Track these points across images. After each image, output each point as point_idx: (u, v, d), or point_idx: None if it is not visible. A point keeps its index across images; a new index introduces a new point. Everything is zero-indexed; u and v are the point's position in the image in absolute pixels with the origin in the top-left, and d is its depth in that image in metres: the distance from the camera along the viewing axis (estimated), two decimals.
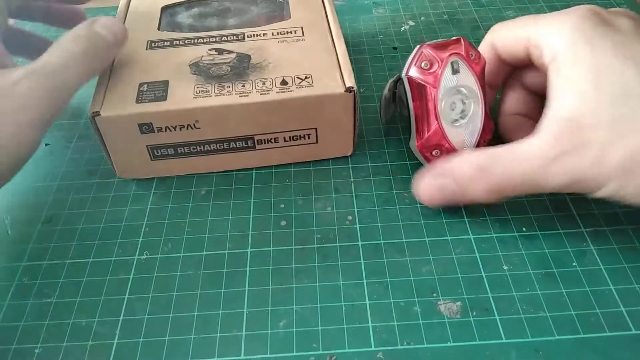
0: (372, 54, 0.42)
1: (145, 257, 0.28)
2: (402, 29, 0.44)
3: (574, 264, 0.27)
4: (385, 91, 0.32)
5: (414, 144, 0.30)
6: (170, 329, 0.25)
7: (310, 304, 0.26)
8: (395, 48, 0.42)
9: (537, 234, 0.29)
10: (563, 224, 0.29)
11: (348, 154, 0.33)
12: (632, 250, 0.28)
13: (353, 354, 0.24)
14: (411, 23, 0.45)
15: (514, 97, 0.32)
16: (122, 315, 0.26)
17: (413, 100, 0.29)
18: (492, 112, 0.32)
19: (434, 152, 0.30)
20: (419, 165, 0.32)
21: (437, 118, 0.29)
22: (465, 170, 0.27)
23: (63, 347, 0.25)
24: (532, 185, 0.25)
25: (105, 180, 0.33)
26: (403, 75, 0.29)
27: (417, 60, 0.29)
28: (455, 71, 0.29)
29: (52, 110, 0.26)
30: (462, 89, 0.29)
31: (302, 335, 0.25)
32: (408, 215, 0.30)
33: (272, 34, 0.34)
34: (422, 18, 0.45)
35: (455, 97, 0.29)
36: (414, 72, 0.29)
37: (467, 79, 0.29)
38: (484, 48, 0.31)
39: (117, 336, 0.25)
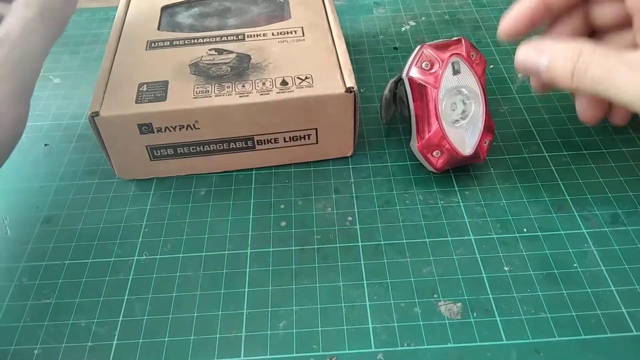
0: (372, 54, 0.41)
1: (144, 257, 0.28)
2: (403, 29, 0.44)
3: (574, 265, 0.27)
4: (386, 91, 0.32)
5: (414, 144, 0.30)
6: (169, 329, 0.25)
7: (310, 304, 0.26)
8: (395, 48, 0.42)
9: (537, 235, 0.29)
10: (564, 225, 0.29)
11: (348, 155, 0.33)
12: (633, 251, 0.28)
13: (353, 355, 0.24)
14: (412, 23, 0.45)
15: (570, 26, 0.30)
16: (121, 316, 0.26)
17: (414, 101, 0.29)
18: (492, 113, 0.32)
19: (434, 153, 0.30)
20: (420, 165, 0.32)
21: (437, 118, 0.29)
22: (564, 47, 0.25)
23: (62, 348, 0.25)
24: (611, 86, 0.24)
25: (105, 181, 0.33)
26: (404, 75, 0.29)
27: (417, 61, 0.29)
28: (456, 71, 0.29)
29: (26, 82, 0.26)
30: (463, 89, 0.29)
31: (302, 336, 0.25)
32: (408, 216, 0.30)
33: (272, 34, 0.34)
34: (423, 18, 0.45)
35: (456, 98, 0.29)
36: (414, 73, 0.29)
37: (468, 79, 0.29)
38: None
39: (116, 337, 0.25)
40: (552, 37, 0.27)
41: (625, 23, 0.27)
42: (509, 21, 0.28)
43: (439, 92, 0.28)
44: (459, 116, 0.29)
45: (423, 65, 0.29)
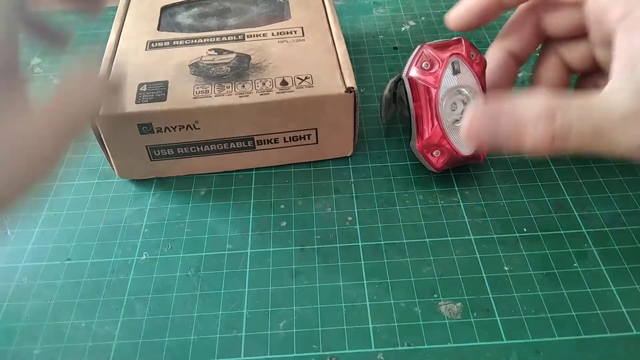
0: (372, 54, 0.41)
1: (144, 257, 0.28)
2: (403, 28, 0.44)
3: (575, 264, 0.27)
4: (386, 91, 0.31)
5: (414, 144, 0.30)
6: (169, 330, 0.25)
7: (310, 304, 0.26)
8: (395, 48, 0.42)
9: (538, 235, 0.29)
10: (564, 225, 0.29)
11: (348, 155, 0.33)
12: (633, 251, 0.28)
13: (353, 355, 0.24)
14: (412, 23, 0.45)
15: (549, 71, 0.30)
16: (121, 316, 0.26)
17: (414, 101, 0.29)
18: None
19: (434, 153, 0.30)
20: (420, 165, 0.32)
21: (437, 118, 0.29)
22: (532, 110, 0.23)
23: (62, 348, 0.25)
24: (603, 142, 0.23)
25: (105, 181, 0.33)
26: (403, 75, 0.29)
27: (417, 61, 0.29)
28: (456, 71, 0.29)
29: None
30: (463, 89, 0.29)
31: (302, 336, 0.25)
32: (408, 216, 0.30)
33: (272, 34, 0.34)
34: (423, 18, 0.45)
35: (456, 98, 0.29)
36: (414, 73, 0.29)
37: (468, 79, 0.29)
38: (520, 12, 0.29)
39: (116, 337, 0.25)
40: (504, 97, 0.24)
41: (579, 32, 0.27)
42: (460, 10, 0.28)
43: (439, 92, 0.28)
44: (459, 116, 0.29)
45: (423, 65, 0.29)
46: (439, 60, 0.28)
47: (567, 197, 0.30)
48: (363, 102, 0.37)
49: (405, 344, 0.24)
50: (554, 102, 0.23)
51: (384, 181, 0.32)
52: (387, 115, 0.33)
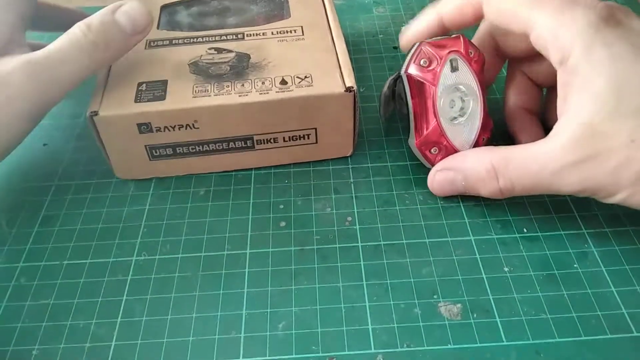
0: (372, 54, 0.41)
1: (143, 258, 0.28)
2: (403, 28, 0.44)
3: (575, 265, 0.27)
4: (385, 89, 0.31)
5: (412, 141, 0.30)
6: (168, 330, 0.25)
7: (309, 305, 0.26)
8: (395, 47, 0.42)
9: (538, 235, 0.28)
10: (564, 225, 0.29)
11: (348, 155, 0.33)
12: (634, 252, 0.28)
13: (353, 356, 0.24)
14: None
15: (518, 89, 0.31)
16: (120, 316, 0.26)
17: (412, 98, 0.29)
18: (491, 111, 0.32)
19: (432, 150, 0.30)
20: (420, 165, 0.32)
21: (435, 116, 0.29)
22: (477, 170, 0.27)
23: (60, 349, 0.25)
24: (544, 189, 0.25)
25: (104, 181, 0.32)
26: (402, 72, 0.29)
27: (416, 58, 0.29)
28: (454, 69, 0.28)
29: (45, 104, 0.26)
30: (461, 86, 0.29)
31: (301, 337, 0.25)
32: (408, 216, 0.30)
33: (272, 33, 0.34)
34: None
35: (454, 95, 0.29)
36: (413, 70, 0.29)
37: (466, 76, 0.29)
38: (480, 35, 0.31)
39: (115, 338, 0.25)
40: (455, 157, 0.29)
41: (537, 54, 0.27)
42: (410, 36, 0.30)
43: (437, 89, 0.28)
44: (457, 113, 0.29)
45: (421, 62, 0.29)
46: (438, 57, 0.28)
47: (567, 197, 0.30)
48: (363, 102, 0.37)
49: (405, 345, 0.24)
50: (495, 162, 0.26)
51: (384, 181, 0.32)
52: (386, 113, 0.33)
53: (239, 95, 0.29)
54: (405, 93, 0.29)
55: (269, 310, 0.26)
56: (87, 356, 0.24)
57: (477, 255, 0.28)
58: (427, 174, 0.32)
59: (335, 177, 0.32)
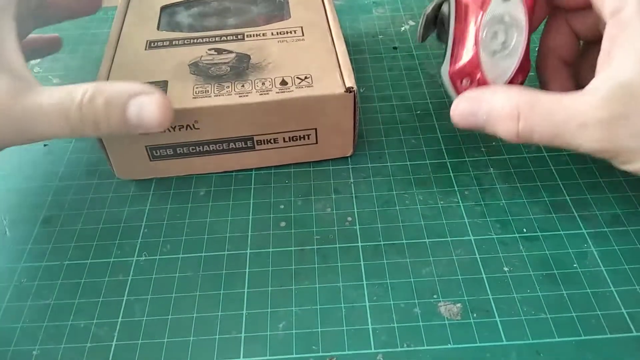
0: (372, 54, 0.41)
1: (144, 258, 0.28)
2: (402, 28, 0.44)
3: (574, 265, 0.27)
4: (429, 10, 0.30)
5: (445, 69, 0.29)
6: (169, 330, 0.25)
7: (309, 305, 0.26)
8: (395, 48, 0.42)
9: (537, 235, 0.29)
10: (564, 225, 0.29)
11: (348, 155, 0.33)
12: (633, 252, 0.28)
13: (353, 355, 0.24)
14: (411, 23, 0.45)
15: (557, 38, 0.30)
16: (120, 316, 0.26)
17: (456, 22, 0.27)
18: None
19: (463, 81, 0.28)
20: (420, 165, 0.32)
21: (476, 44, 0.27)
22: (501, 107, 0.25)
23: (61, 349, 0.25)
24: (564, 142, 0.24)
25: (104, 181, 0.32)
26: None
27: None
28: None
29: (4, 144, 0.25)
30: (509, 18, 0.27)
31: (301, 337, 0.25)
32: (408, 216, 0.30)
33: (272, 33, 0.34)
34: None
35: (499, 26, 0.27)
36: None
37: (517, 8, 0.27)
38: None
39: (115, 338, 0.25)
40: (485, 89, 0.27)
41: (587, 5, 0.26)
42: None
43: (485, 17, 0.27)
44: (499, 47, 0.28)
45: None
46: None
47: (567, 197, 0.30)
48: (363, 102, 0.37)
49: (405, 345, 0.24)
50: (522, 103, 0.25)
51: (384, 181, 0.32)
52: (425, 36, 0.31)
53: (239, 96, 0.30)
54: (449, 17, 0.28)
55: (269, 310, 0.26)
56: (88, 356, 0.24)
57: (477, 255, 0.28)
58: (427, 174, 0.32)
59: (335, 177, 0.32)
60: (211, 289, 0.27)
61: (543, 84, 0.31)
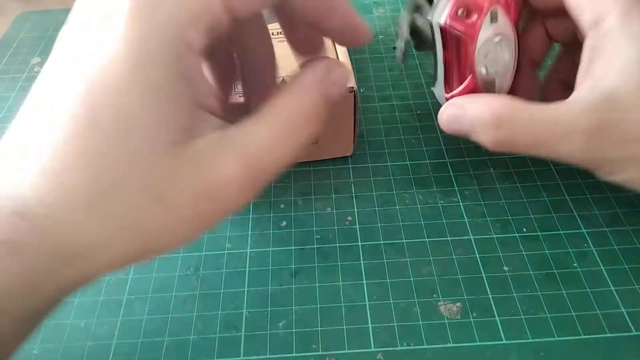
0: (372, 54, 0.41)
1: None
2: None
3: (574, 264, 0.27)
4: (405, 33, 0.29)
5: (440, 91, 0.28)
6: (169, 329, 0.25)
7: (309, 304, 0.26)
8: (395, 48, 0.42)
9: (537, 235, 0.29)
10: (563, 225, 0.29)
11: (348, 154, 0.33)
12: (633, 251, 0.28)
13: (353, 354, 0.24)
14: None
15: (531, 40, 0.30)
16: (120, 315, 0.26)
17: (445, 50, 0.27)
18: None
19: None
20: (420, 165, 0.32)
21: (473, 76, 0.27)
22: (483, 112, 0.25)
23: (61, 348, 0.25)
24: (546, 150, 0.24)
25: None
26: (435, 22, 0.27)
27: (452, 7, 0.26)
28: (493, 20, 0.26)
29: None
30: (499, 37, 0.27)
31: (301, 336, 0.25)
32: (408, 215, 0.30)
33: (272, 33, 0.34)
34: None
35: (490, 47, 0.27)
36: (449, 22, 0.26)
37: (505, 27, 0.26)
38: None
39: (115, 337, 0.25)
40: (472, 95, 0.27)
41: (563, 12, 0.26)
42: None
43: (476, 44, 0.26)
44: (491, 63, 0.27)
45: (459, 12, 0.26)
46: (478, 8, 0.26)
47: (567, 197, 0.30)
48: (363, 102, 0.37)
49: (405, 344, 0.24)
50: (503, 111, 0.24)
51: (384, 181, 0.32)
52: (406, 58, 0.30)
53: (240, 96, 0.30)
54: (435, 43, 0.27)
55: (269, 309, 0.26)
56: (88, 355, 0.24)
57: (477, 255, 0.28)
58: (427, 174, 0.32)
59: (335, 176, 0.32)
60: (211, 287, 0.27)
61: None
